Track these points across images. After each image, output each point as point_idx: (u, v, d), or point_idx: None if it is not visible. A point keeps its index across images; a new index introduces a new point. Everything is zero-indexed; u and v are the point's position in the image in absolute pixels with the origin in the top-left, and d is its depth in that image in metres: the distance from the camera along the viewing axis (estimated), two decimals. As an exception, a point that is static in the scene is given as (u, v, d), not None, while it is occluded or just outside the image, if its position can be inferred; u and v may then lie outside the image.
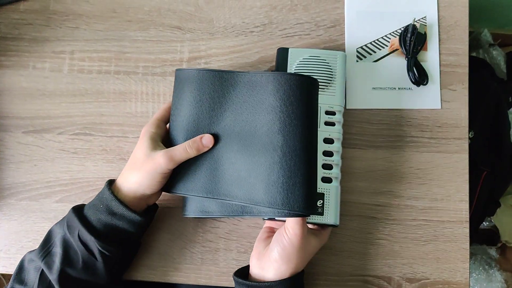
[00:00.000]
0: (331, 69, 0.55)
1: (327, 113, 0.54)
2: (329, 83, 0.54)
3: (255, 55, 0.60)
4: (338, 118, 0.54)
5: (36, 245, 0.57)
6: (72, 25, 0.62)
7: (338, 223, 0.52)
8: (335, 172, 0.53)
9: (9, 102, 0.61)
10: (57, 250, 0.48)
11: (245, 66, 0.60)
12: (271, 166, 0.45)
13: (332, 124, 0.53)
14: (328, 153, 0.53)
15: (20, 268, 0.50)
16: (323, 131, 0.53)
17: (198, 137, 0.48)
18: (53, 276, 0.47)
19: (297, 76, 0.47)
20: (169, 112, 0.52)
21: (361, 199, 0.57)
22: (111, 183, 0.50)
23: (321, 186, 0.52)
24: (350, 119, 0.58)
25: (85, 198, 0.58)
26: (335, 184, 0.52)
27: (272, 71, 0.57)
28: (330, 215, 0.51)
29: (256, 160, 0.46)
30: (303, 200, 0.44)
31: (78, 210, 0.50)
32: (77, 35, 0.62)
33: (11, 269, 0.58)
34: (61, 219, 0.51)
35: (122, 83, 0.60)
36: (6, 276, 1.13)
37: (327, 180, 0.52)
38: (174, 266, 0.56)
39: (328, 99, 0.54)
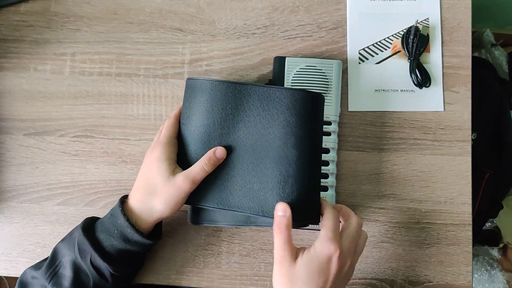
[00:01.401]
0: (327, 79, 0.55)
1: (323, 123, 0.53)
2: (325, 93, 0.55)
3: (257, 57, 0.60)
4: (333, 128, 0.55)
5: (37, 247, 0.57)
6: (73, 27, 0.62)
7: None
8: (331, 181, 0.54)
9: (10, 104, 0.60)
10: (66, 273, 0.48)
11: (247, 68, 0.59)
12: (285, 180, 0.46)
13: (328, 134, 0.54)
14: (324, 163, 0.54)
15: (24, 284, 0.49)
16: None
17: (211, 152, 0.48)
18: None
19: (312, 94, 0.48)
20: (176, 128, 0.51)
21: (364, 202, 0.56)
22: (123, 205, 0.48)
23: None
24: (353, 121, 0.58)
25: (87, 200, 0.58)
26: (331, 192, 0.54)
27: (270, 80, 0.57)
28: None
29: (270, 173, 0.47)
30: (317, 212, 0.47)
31: (89, 232, 0.48)
32: (78, 37, 0.61)
33: (12, 272, 0.57)
34: (68, 237, 0.50)
35: (123, 85, 0.60)
36: (8, 279, 1.13)
37: (323, 188, 0.54)
38: (177, 269, 0.56)
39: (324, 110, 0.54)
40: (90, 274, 0.47)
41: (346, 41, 0.60)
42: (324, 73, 0.55)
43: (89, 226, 0.49)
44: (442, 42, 0.59)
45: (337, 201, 0.55)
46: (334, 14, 0.60)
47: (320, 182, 0.48)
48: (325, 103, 0.52)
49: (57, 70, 0.61)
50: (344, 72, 0.59)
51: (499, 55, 1.08)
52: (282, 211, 0.44)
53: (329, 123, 0.54)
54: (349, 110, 0.58)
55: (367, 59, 0.59)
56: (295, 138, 0.46)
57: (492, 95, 0.89)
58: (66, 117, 0.60)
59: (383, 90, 0.59)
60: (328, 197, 0.53)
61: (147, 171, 0.49)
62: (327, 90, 0.55)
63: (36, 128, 0.60)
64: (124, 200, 0.50)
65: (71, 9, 0.62)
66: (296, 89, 0.48)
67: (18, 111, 0.60)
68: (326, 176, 0.54)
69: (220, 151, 0.48)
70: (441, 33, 0.59)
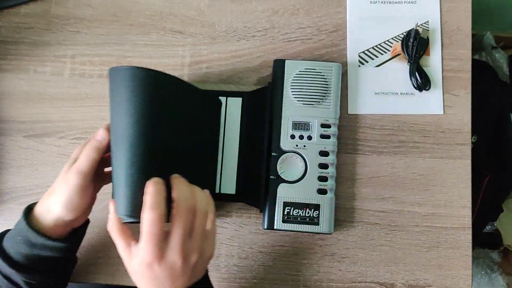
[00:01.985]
0: (327, 81, 0.55)
1: (323, 126, 0.54)
2: (325, 96, 0.55)
3: (257, 59, 0.60)
4: (333, 131, 0.55)
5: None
6: (73, 29, 0.62)
7: (332, 231, 0.54)
8: (330, 184, 0.54)
9: (10, 106, 0.60)
10: None
11: (247, 71, 0.59)
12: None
13: (327, 137, 0.54)
14: (323, 166, 0.54)
15: None
16: (318, 144, 0.54)
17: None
18: None
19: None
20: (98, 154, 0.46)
21: (364, 205, 0.56)
22: (29, 210, 0.46)
23: (316, 198, 0.53)
24: (352, 124, 0.58)
25: (86, 202, 0.58)
26: (330, 195, 0.54)
27: (269, 83, 0.56)
28: (325, 224, 0.53)
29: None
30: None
31: None
32: (78, 39, 0.61)
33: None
34: None
35: (123, 88, 0.60)
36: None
37: (322, 191, 0.53)
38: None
39: (323, 112, 0.55)
40: (2, 284, 0.45)
41: (346, 44, 0.60)
42: (324, 75, 0.55)
43: (2, 233, 0.47)
44: (442, 45, 0.59)
45: (336, 204, 0.55)
46: (334, 17, 0.60)
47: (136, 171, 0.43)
48: (323, 107, 0.53)
49: (57, 72, 0.61)
50: (344, 75, 0.59)
51: (500, 57, 1.08)
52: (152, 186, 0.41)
53: (328, 126, 0.54)
54: (348, 113, 0.58)
55: (367, 62, 0.59)
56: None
57: (492, 98, 0.89)
58: (65, 119, 0.60)
59: (383, 93, 0.59)
60: (327, 200, 0.53)
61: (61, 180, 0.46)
62: (326, 93, 0.55)
63: (36, 130, 0.60)
64: (31, 205, 0.47)
65: (71, 11, 0.62)
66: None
67: (18, 113, 0.60)
68: (325, 179, 0.54)
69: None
70: (441, 36, 0.59)
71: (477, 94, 0.59)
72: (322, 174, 0.53)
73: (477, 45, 1.10)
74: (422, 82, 0.57)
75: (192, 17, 0.61)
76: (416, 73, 0.57)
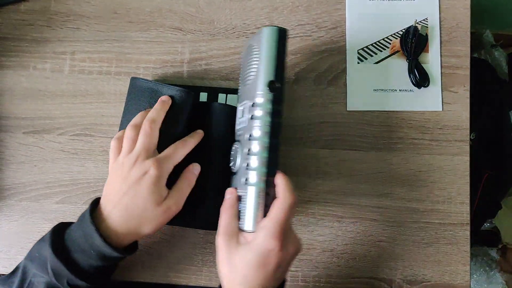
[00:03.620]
0: (258, 50, 0.47)
1: (253, 105, 0.46)
2: (257, 65, 0.46)
3: (256, 56, 0.60)
4: (261, 106, 0.45)
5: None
6: (73, 25, 0.62)
7: (251, 228, 0.43)
8: (253, 172, 0.44)
9: (10, 102, 0.61)
10: None
11: (246, 68, 0.60)
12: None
13: (255, 117, 0.45)
14: (249, 152, 0.45)
15: None
16: (249, 127, 0.46)
17: (190, 167, 0.49)
18: None
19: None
20: (184, 152, 0.49)
21: (362, 201, 0.57)
22: (97, 221, 0.45)
23: (243, 189, 0.45)
24: (351, 121, 0.58)
25: (86, 199, 0.58)
26: (254, 186, 0.44)
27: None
28: (246, 220, 0.44)
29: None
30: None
31: (62, 254, 0.44)
32: (78, 35, 0.61)
33: (11, 270, 0.57)
34: (36, 255, 0.46)
35: (123, 84, 0.60)
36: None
37: (247, 182, 0.45)
38: (175, 268, 0.56)
39: (250, 91, 0.47)
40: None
41: (345, 41, 0.60)
42: (255, 46, 0.48)
43: (60, 244, 0.45)
44: (441, 42, 0.59)
45: (335, 201, 0.56)
46: (333, 14, 0.61)
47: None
48: (252, 84, 0.47)
49: (56, 68, 0.61)
50: (343, 71, 0.59)
51: (499, 56, 1.08)
52: (229, 193, 0.46)
53: (255, 105, 0.45)
54: (347, 109, 0.58)
55: (366, 58, 0.59)
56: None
57: (491, 96, 0.89)
58: (65, 115, 0.60)
59: (382, 90, 0.59)
60: (251, 191, 0.44)
61: (137, 191, 0.45)
62: (258, 62, 0.46)
63: (36, 127, 0.60)
64: (94, 209, 0.47)
65: (71, 8, 0.62)
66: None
67: (18, 109, 0.60)
68: (249, 167, 0.45)
69: (196, 167, 0.49)
70: (440, 33, 0.59)
71: (476, 92, 0.59)
72: (248, 161, 0.45)
73: (477, 43, 1.10)
74: (421, 79, 0.57)
75: (192, 14, 0.61)
76: (415, 70, 0.58)
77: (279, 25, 0.47)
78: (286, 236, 0.42)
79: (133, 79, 0.55)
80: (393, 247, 0.56)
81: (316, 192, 0.57)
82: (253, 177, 0.44)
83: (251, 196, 0.44)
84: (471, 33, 0.59)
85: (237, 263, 0.42)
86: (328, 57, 0.59)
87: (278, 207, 0.42)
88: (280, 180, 0.44)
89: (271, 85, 0.45)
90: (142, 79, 0.54)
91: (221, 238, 0.44)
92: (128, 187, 0.45)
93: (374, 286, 0.55)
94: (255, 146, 0.45)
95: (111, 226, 0.45)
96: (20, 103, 0.61)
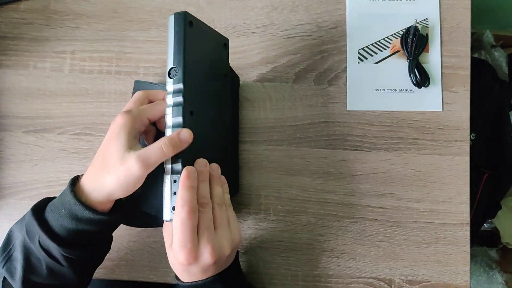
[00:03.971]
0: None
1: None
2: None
3: (256, 56, 0.60)
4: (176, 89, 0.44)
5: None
6: (72, 24, 0.62)
7: (168, 218, 0.43)
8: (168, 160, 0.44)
9: (10, 101, 0.61)
10: (18, 256, 0.44)
11: (246, 67, 0.59)
12: None
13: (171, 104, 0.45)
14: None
15: None
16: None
17: (175, 133, 0.42)
18: (16, 285, 0.44)
19: None
20: (159, 108, 0.45)
21: (362, 201, 0.56)
22: (74, 182, 0.44)
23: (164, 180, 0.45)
24: (352, 120, 0.58)
25: (86, 198, 0.58)
26: (167, 176, 0.43)
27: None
28: (164, 210, 0.44)
29: None
30: None
31: (38, 212, 0.44)
32: (78, 34, 0.61)
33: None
34: (22, 218, 0.47)
35: (123, 83, 0.60)
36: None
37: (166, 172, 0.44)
38: (174, 267, 0.56)
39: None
40: (41, 257, 0.44)
41: (346, 41, 0.60)
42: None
43: (40, 206, 0.45)
44: (441, 42, 0.59)
45: (335, 201, 0.55)
46: (333, 14, 0.60)
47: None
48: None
49: (56, 68, 0.61)
50: (343, 71, 0.59)
51: (499, 56, 1.08)
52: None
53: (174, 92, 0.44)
54: (348, 109, 0.58)
55: (366, 58, 0.59)
56: None
57: (491, 96, 0.89)
58: (65, 114, 0.60)
59: (382, 90, 0.59)
60: (166, 182, 0.43)
61: (105, 142, 0.43)
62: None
63: (36, 126, 0.60)
64: (76, 178, 0.45)
65: (70, 7, 0.62)
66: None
67: (18, 109, 0.60)
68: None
69: (185, 132, 0.42)
70: (440, 33, 0.59)
71: (476, 92, 0.59)
72: None
73: (477, 43, 1.10)
74: (421, 79, 0.57)
75: (192, 13, 0.61)
76: (415, 70, 0.58)
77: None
78: (204, 240, 0.41)
79: (137, 82, 0.55)
80: (393, 247, 0.56)
81: (316, 192, 0.57)
82: (167, 165, 0.43)
83: (166, 186, 0.43)
84: (471, 34, 0.59)
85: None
86: (328, 57, 0.59)
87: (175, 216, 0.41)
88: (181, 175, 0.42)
89: (172, 72, 0.45)
90: (147, 82, 0.54)
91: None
92: (103, 141, 0.44)
93: (374, 286, 0.55)
94: (169, 133, 0.44)
95: (84, 185, 0.43)
96: (20, 102, 0.60)
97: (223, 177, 0.46)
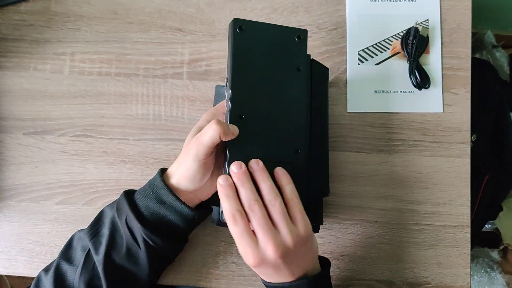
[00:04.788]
0: None
1: None
2: None
3: (256, 57, 0.60)
4: None
5: (36, 246, 0.57)
6: (73, 26, 0.62)
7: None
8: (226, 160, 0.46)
9: (10, 103, 0.61)
10: (105, 232, 0.48)
11: (247, 69, 0.59)
12: None
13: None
14: None
15: (69, 245, 0.50)
16: None
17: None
18: (98, 258, 0.47)
19: None
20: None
21: (363, 203, 0.56)
22: (163, 170, 0.48)
23: None
24: (352, 122, 0.58)
25: (86, 199, 0.58)
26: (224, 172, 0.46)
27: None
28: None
29: None
30: None
31: (129, 194, 0.48)
32: (78, 36, 0.61)
33: (11, 270, 0.57)
34: (113, 201, 0.50)
35: (122, 85, 0.60)
36: (9, 278, 1.13)
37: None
38: (175, 269, 0.56)
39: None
40: (124, 234, 0.47)
41: (346, 42, 0.59)
42: None
43: (132, 190, 0.49)
44: (442, 43, 0.59)
45: (335, 202, 0.55)
46: (333, 15, 0.60)
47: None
48: None
49: (56, 69, 0.61)
50: (344, 72, 0.59)
51: (500, 56, 1.08)
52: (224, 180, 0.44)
53: None
54: (348, 111, 0.58)
55: (366, 60, 0.59)
56: None
57: (492, 97, 0.89)
58: (65, 116, 0.60)
59: (383, 91, 0.59)
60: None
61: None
62: None
63: (36, 127, 0.60)
64: (164, 169, 0.49)
65: (71, 9, 0.62)
66: None
67: (18, 110, 0.60)
68: None
69: (235, 128, 0.43)
70: (441, 34, 0.59)
71: (477, 93, 0.59)
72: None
73: (478, 44, 1.10)
74: (422, 81, 0.57)
75: (192, 14, 0.61)
76: (416, 72, 0.57)
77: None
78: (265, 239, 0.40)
79: (218, 87, 0.55)
80: (393, 249, 0.56)
81: (316, 194, 0.57)
82: (223, 168, 0.44)
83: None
84: (472, 34, 0.59)
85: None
86: (328, 58, 0.59)
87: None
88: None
89: (227, 79, 0.46)
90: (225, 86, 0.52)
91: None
92: None
93: (374, 288, 0.55)
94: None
95: (169, 174, 0.47)
96: (20, 104, 0.60)
97: (282, 169, 0.44)
